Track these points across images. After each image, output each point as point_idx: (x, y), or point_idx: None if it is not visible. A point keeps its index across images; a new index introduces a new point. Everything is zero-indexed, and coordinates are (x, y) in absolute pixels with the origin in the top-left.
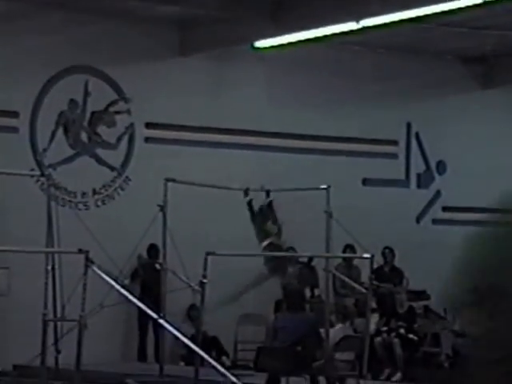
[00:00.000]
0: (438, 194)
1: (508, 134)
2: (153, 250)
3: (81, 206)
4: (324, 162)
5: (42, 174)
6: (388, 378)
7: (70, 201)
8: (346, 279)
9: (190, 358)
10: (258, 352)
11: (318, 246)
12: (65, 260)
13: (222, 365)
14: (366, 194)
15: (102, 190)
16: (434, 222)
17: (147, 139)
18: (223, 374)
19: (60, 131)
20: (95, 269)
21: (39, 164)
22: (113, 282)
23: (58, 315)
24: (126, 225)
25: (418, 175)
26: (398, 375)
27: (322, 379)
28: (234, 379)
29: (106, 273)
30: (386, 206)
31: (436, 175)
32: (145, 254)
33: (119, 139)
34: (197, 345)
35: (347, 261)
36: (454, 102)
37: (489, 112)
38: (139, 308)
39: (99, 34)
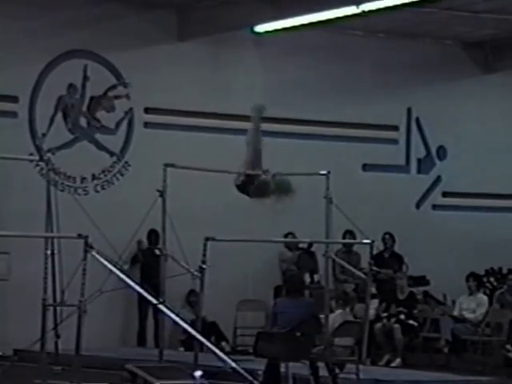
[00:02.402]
0: (438, 179)
1: (508, 118)
2: (153, 235)
3: (80, 191)
4: (324, 148)
5: (41, 159)
6: (387, 364)
7: (69, 186)
8: (346, 265)
9: (189, 343)
10: (258, 337)
11: (317, 231)
12: (64, 245)
13: (222, 350)
14: (366, 179)
15: (102, 175)
16: (434, 207)
17: (146, 124)
18: (223, 360)
19: (59, 116)
20: (94, 254)
21: (38, 149)
22: (112, 267)
23: (58, 300)
24: (125, 210)
25: (419, 160)
26: (398, 361)
27: (321, 365)
28: (233, 364)
29: (106, 258)
30: (386, 192)
31: (436, 160)
32: (145, 240)
33: (118, 124)
34: (196, 330)
35: (347, 246)
36: (455, 86)
37: (489, 97)
38: (139, 293)
39: (98, 19)
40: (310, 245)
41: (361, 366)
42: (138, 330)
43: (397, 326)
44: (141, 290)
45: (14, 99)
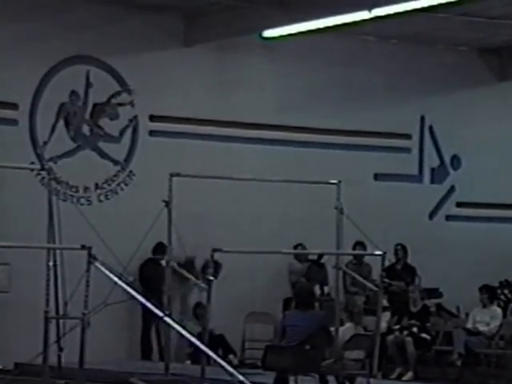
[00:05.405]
0: (451, 189)
1: None
2: (159, 248)
3: (83, 200)
4: (335, 157)
5: (43, 168)
6: (399, 377)
7: (71, 195)
8: (357, 276)
9: (196, 356)
10: (266, 351)
11: (327, 242)
12: (67, 256)
13: (229, 363)
14: (378, 189)
15: (105, 185)
16: (448, 218)
17: (151, 132)
18: (230, 373)
19: (61, 124)
20: (98, 265)
21: (39, 157)
22: (116, 279)
23: (61, 312)
24: (129, 220)
25: (432, 170)
26: (410, 374)
27: (331, 378)
28: (241, 378)
29: (110, 269)
30: (399, 202)
31: (450, 170)
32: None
33: (122, 132)
34: (203, 343)
35: (358, 258)
36: (469, 94)
37: (505, 104)
38: (143, 305)
39: (101, 23)
40: (320, 256)
41: (372, 380)
42: (141, 343)
43: (409, 338)
44: (146, 303)
45: (13, 106)
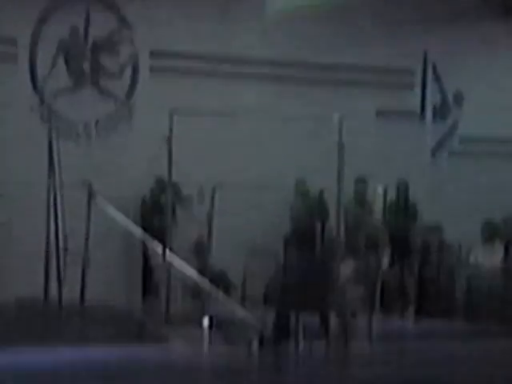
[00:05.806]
0: (454, 125)
1: None
2: (159, 185)
3: (83, 137)
4: (336, 93)
5: (42, 104)
6: (400, 314)
7: (71, 132)
8: (358, 213)
9: (197, 292)
10: (267, 287)
11: (329, 179)
12: (67, 192)
13: (230, 299)
14: (380, 126)
15: (105, 122)
16: (450, 154)
17: (152, 68)
18: (231, 309)
19: (60, 60)
20: (98, 201)
21: (39, 93)
22: (116, 215)
23: (61, 248)
24: (130, 157)
25: (434, 107)
26: (411, 310)
27: (332, 315)
28: (242, 313)
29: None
30: (400, 139)
31: (453, 107)
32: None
33: (122, 68)
34: (204, 279)
35: (359, 195)
36: (473, 30)
37: (509, 40)
38: (144, 243)
39: None
40: (322, 192)
41: (373, 316)
42: (142, 280)
43: (410, 275)
44: (145, 238)
45: (12, 41)
